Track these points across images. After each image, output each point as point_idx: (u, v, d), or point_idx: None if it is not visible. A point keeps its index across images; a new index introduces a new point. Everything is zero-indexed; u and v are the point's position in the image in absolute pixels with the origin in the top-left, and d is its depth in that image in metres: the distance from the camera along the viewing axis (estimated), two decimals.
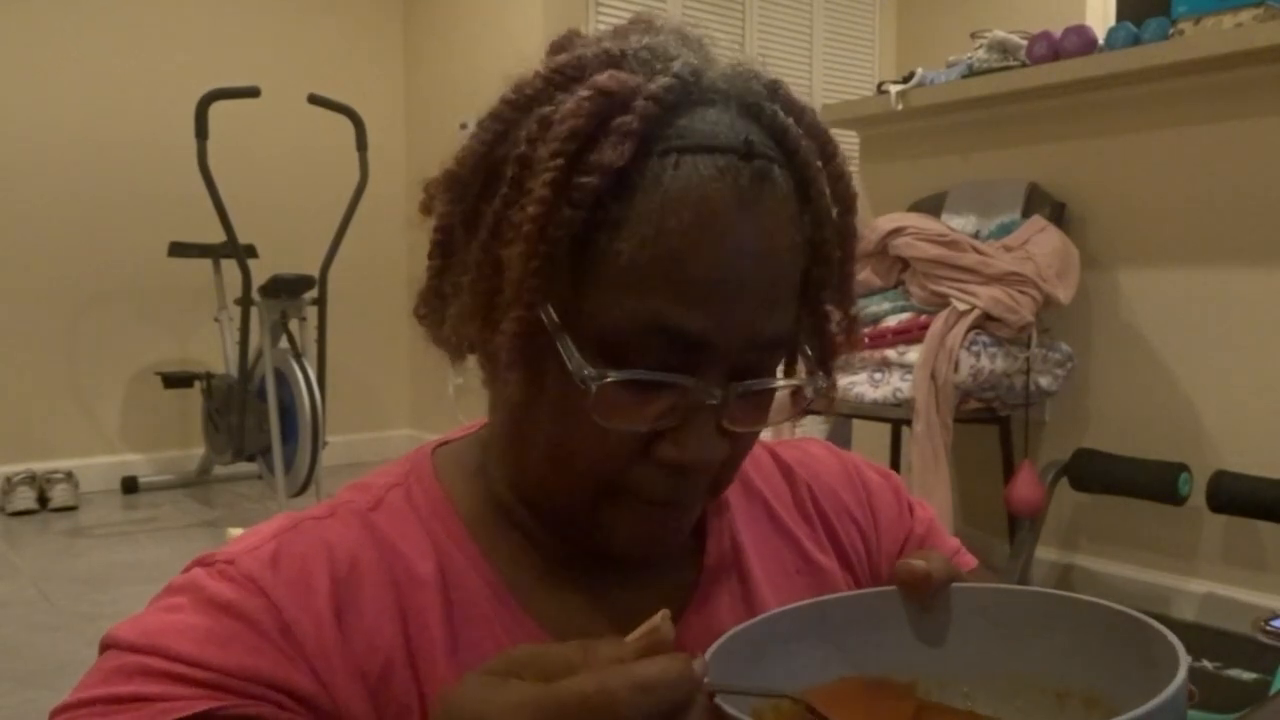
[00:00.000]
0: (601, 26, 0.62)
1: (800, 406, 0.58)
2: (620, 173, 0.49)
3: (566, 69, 0.52)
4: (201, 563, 0.54)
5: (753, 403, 0.54)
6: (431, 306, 0.56)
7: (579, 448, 0.53)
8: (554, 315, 0.50)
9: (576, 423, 0.51)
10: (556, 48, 0.58)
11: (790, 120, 0.54)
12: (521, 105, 0.52)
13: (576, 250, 0.49)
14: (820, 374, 0.58)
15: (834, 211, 0.55)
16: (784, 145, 0.53)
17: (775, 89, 0.55)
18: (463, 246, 0.54)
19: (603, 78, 0.50)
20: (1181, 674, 0.40)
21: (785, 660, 0.49)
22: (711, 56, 0.55)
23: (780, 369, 0.58)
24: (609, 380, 0.49)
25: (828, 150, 0.56)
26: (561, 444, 0.53)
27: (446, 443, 0.64)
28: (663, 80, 0.50)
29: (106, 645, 0.50)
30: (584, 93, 0.49)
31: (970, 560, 0.71)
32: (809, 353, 0.58)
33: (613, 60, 0.52)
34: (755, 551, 0.65)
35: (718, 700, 0.41)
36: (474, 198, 0.53)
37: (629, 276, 0.49)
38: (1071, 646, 0.49)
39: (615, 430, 0.51)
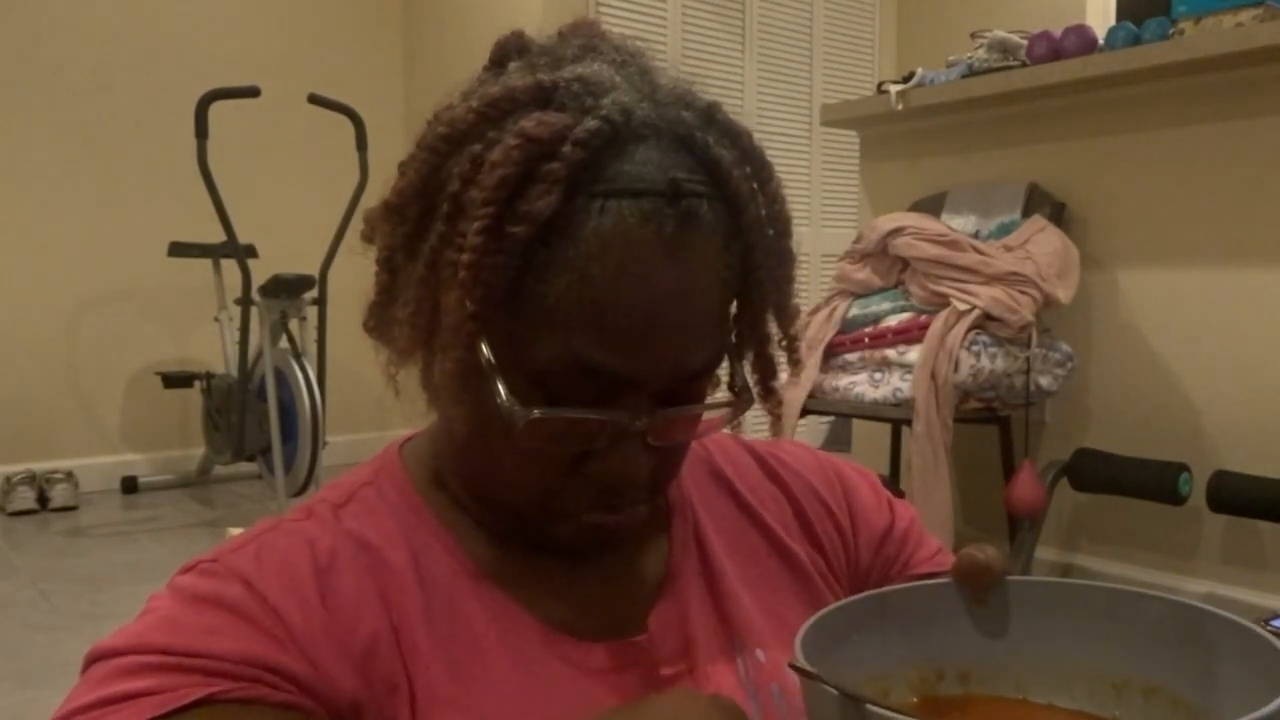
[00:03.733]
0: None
1: (736, 417, 0.60)
2: (547, 222, 0.50)
3: (499, 104, 0.53)
4: (182, 570, 0.55)
5: (680, 421, 0.56)
6: (379, 320, 0.58)
7: (514, 470, 0.56)
8: (488, 353, 0.52)
9: (511, 448, 0.54)
10: (499, 51, 0.59)
11: (723, 149, 0.54)
12: (455, 140, 0.53)
13: (508, 290, 0.51)
14: (762, 393, 0.60)
15: (769, 233, 0.56)
16: (715, 176, 0.53)
17: (711, 115, 0.55)
18: (403, 271, 0.56)
19: (530, 123, 0.51)
20: None
21: (847, 651, 0.50)
22: (652, 76, 0.56)
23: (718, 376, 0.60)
24: (534, 416, 0.52)
25: (762, 175, 0.57)
26: (499, 466, 0.56)
27: (411, 438, 0.66)
28: (590, 124, 0.51)
29: (91, 660, 0.50)
30: (512, 140, 0.50)
31: (952, 561, 0.72)
32: (749, 373, 0.60)
33: (544, 94, 0.53)
34: (721, 540, 0.66)
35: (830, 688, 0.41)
36: (412, 224, 0.54)
37: (555, 318, 0.51)
38: (1129, 639, 0.50)
39: (547, 453, 0.54)
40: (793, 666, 0.44)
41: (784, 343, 0.60)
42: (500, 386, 0.52)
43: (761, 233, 0.56)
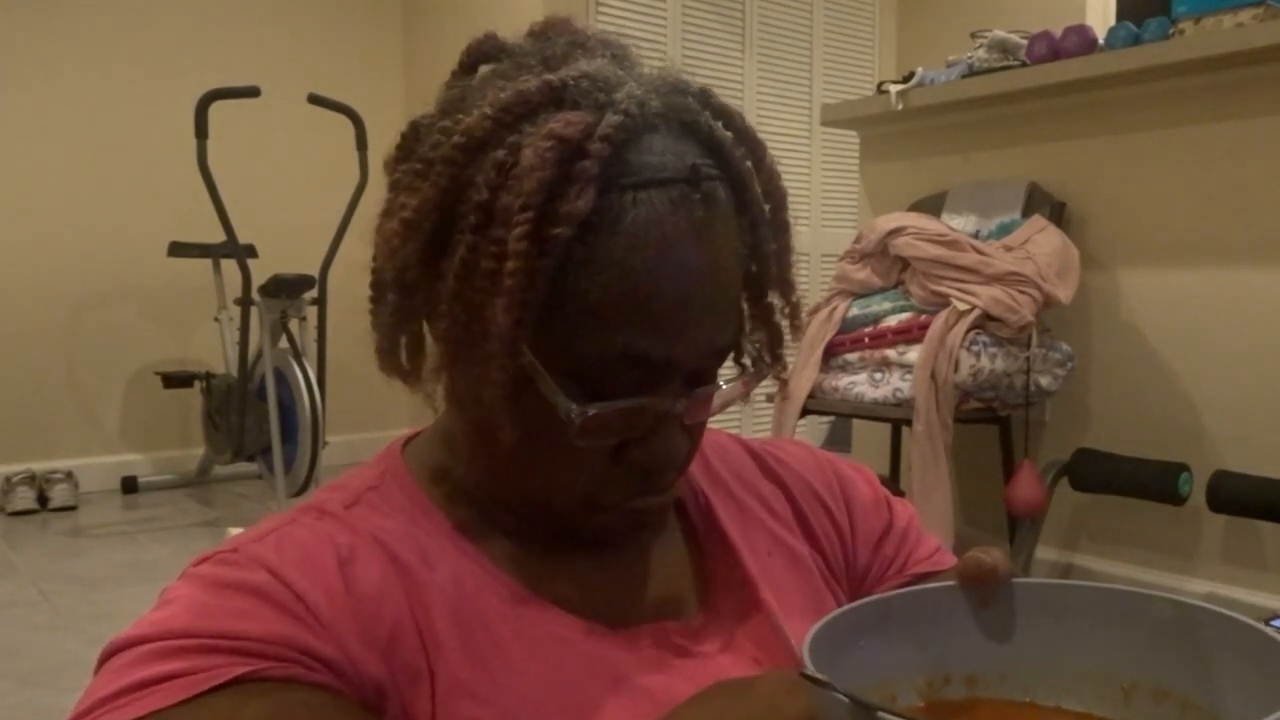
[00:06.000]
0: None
1: (749, 391, 0.61)
2: (584, 221, 0.51)
3: (513, 108, 0.53)
4: (197, 561, 0.55)
5: (709, 398, 0.58)
6: (393, 342, 0.58)
7: (561, 468, 0.56)
8: (531, 357, 0.53)
9: (552, 446, 0.54)
10: (470, 54, 0.60)
11: (724, 131, 0.56)
12: (473, 149, 0.53)
13: (548, 292, 0.52)
14: (771, 361, 0.62)
15: (767, 209, 0.59)
16: (721, 158, 0.55)
17: (706, 98, 0.57)
18: (423, 288, 0.55)
19: (558, 124, 0.51)
20: None
21: (852, 655, 0.50)
22: (642, 68, 0.57)
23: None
24: (591, 414, 0.52)
25: (758, 153, 0.58)
26: (544, 468, 0.57)
27: (414, 437, 0.66)
28: (613, 119, 0.52)
29: (111, 653, 0.49)
30: (544, 143, 0.51)
31: (950, 559, 0.72)
32: (757, 345, 0.61)
33: (556, 94, 0.53)
34: (735, 533, 0.67)
35: (842, 694, 0.41)
36: (428, 238, 0.54)
37: (597, 313, 0.52)
38: (1137, 640, 0.49)
39: (592, 447, 0.55)
40: (803, 674, 0.44)
41: (787, 311, 0.61)
42: (555, 389, 0.53)
43: (761, 208, 0.58)
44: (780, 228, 0.60)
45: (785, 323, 0.62)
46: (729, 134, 0.56)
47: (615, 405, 0.53)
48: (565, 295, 0.52)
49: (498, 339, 0.51)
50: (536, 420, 0.54)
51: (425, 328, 0.57)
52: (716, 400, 0.59)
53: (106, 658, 0.49)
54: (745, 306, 0.60)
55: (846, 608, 0.52)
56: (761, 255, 0.58)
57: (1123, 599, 0.50)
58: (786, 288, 0.61)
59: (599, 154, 0.51)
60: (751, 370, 0.61)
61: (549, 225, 0.50)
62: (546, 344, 0.52)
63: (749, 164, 0.57)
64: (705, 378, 0.57)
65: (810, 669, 0.43)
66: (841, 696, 0.41)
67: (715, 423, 0.65)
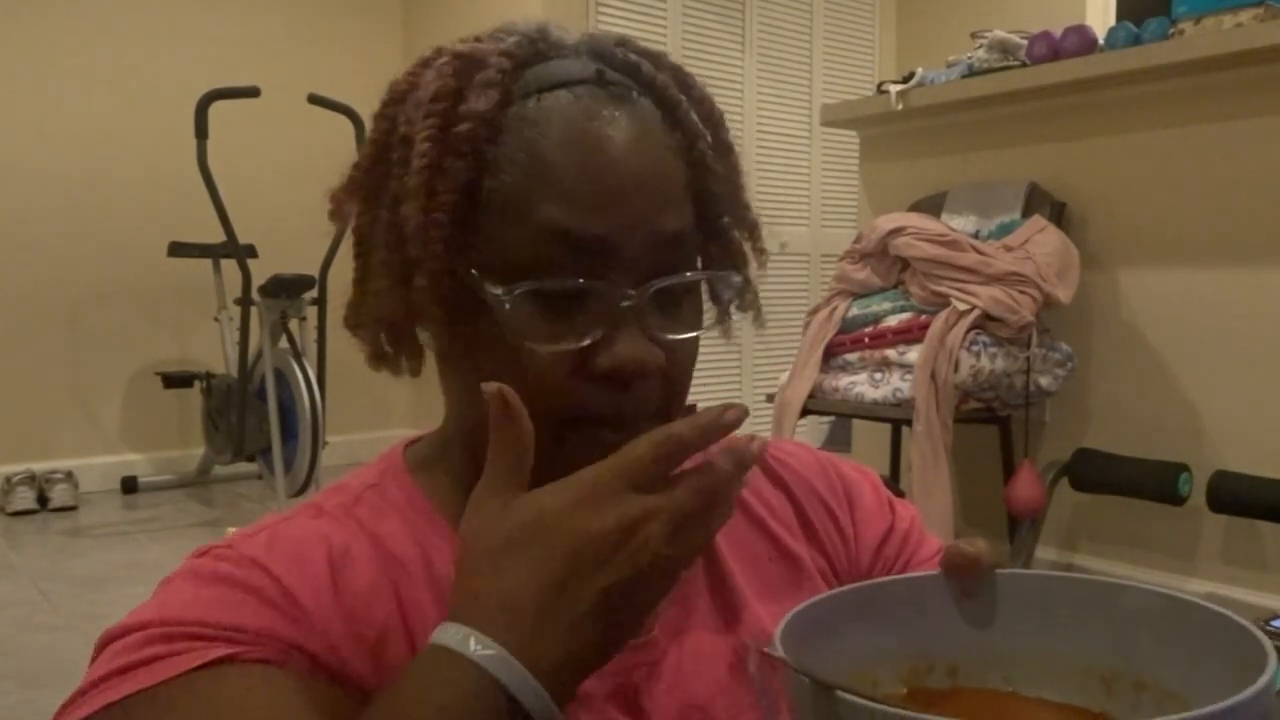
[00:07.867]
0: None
1: (723, 305, 0.61)
2: (490, 121, 0.53)
3: (430, 60, 0.57)
4: (195, 555, 0.56)
5: (673, 307, 0.56)
6: (361, 314, 0.59)
7: (519, 379, 0.52)
8: (458, 259, 0.54)
9: (508, 354, 0.53)
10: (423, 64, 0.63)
11: (641, 59, 0.58)
12: (396, 99, 0.57)
13: (466, 200, 0.53)
14: (735, 274, 0.61)
15: (705, 130, 0.59)
16: (637, 78, 0.57)
17: (625, 39, 0.60)
18: (373, 243, 0.58)
19: (458, 45, 0.56)
20: (1271, 667, 0.40)
21: (835, 642, 0.50)
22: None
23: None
24: (519, 291, 0.52)
25: (685, 81, 0.60)
26: (499, 379, 0.53)
27: (416, 440, 0.66)
28: (512, 39, 0.56)
29: (106, 641, 0.51)
30: (442, 59, 0.56)
31: None
32: (721, 268, 0.61)
33: (469, 42, 0.58)
34: (725, 541, 0.66)
35: (801, 673, 0.41)
36: (371, 189, 0.58)
37: (518, 202, 0.53)
38: (1119, 632, 0.50)
39: (546, 352, 0.53)
40: (765, 652, 0.44)
41: (747, 235, 0.62)
42: (478, 277, 0.53)
43: (697, 127, 0.59)
44: (724, 149, 0.60)
45: (749, 247, 0.62)
46: (650, 62, 0.58)
47: (546, 284, 0.52)
48: (486, 197, 0.53)
49: (414, 240, 0.53)
50: (482, 329, 0.54)
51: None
52: (688, 308, 0.57)
53: (102, 647, 0.51)
54: (700, 225, 0.58)
55: (828, 593, 0.52)
56: (706, 169, 0.58)
57: (1102, 590, 0.50)
58: (741, 211, 0.61)
59: (499, 65, 0.54)
60: (717, 274, 0.60)
61: (452, 125, 0.53)
62: (480, 248, 0.54)
63: (677, 91, 0.58)
64: (661, 274, 0.54)
65: (777, 647, 0.43)
66: (802, 677, 0.41)
67: None
